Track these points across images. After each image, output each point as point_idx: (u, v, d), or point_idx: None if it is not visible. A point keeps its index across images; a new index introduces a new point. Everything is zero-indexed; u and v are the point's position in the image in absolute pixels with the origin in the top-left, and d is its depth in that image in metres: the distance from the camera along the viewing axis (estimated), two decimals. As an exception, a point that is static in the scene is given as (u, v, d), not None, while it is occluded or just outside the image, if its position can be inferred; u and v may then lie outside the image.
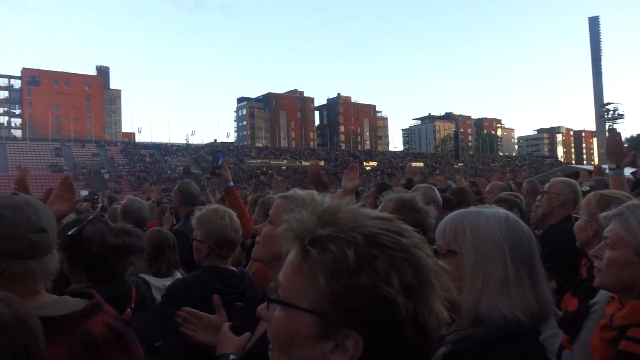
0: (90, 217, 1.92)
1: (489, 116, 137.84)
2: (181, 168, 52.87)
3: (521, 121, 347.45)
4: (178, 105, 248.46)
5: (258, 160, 61.94)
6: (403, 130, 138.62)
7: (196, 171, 52.20)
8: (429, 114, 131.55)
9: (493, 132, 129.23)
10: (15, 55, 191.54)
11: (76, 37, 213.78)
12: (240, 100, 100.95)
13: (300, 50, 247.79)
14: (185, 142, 65.25)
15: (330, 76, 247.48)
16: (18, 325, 0.92)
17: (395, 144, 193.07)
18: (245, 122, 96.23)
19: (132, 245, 1.90)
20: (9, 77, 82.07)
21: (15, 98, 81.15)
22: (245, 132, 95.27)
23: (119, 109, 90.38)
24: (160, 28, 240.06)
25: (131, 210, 3.92)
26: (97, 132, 70.11)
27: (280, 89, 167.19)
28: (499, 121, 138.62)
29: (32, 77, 79.60)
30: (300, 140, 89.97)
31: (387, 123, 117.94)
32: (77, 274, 1.85)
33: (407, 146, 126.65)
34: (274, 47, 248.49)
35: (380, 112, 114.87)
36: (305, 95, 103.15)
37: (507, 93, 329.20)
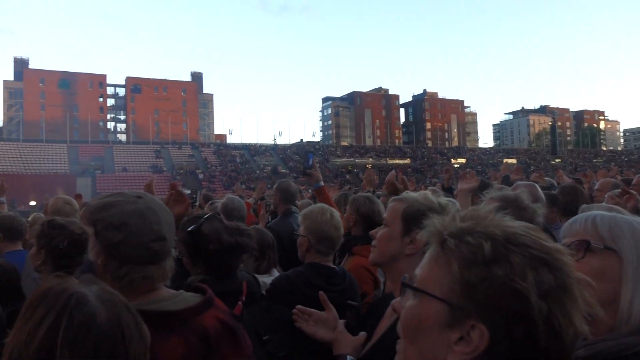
0: (207, 215, 2.03)
1: (590, 108, 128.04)
2: (269, 167, 54.46)
3: (628, 112, 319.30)
4: (266, 107, 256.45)
5: (343, 159, 62.25)
6: (493, 125, 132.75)
7: (284, 170, 53.45)
8: (522, 107, 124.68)
9: (595, 125, 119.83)
10: (120, 65, 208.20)
11: (173, 46, 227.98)
12: (325, 100, 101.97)
13: (384, 48, 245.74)
14: (273, 142, 67.24)
15: (416, 72, 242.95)
16: (110, 329, 0.90)
17: (485, 140, 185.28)
18: (330, 122, 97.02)
19: (244, 244, 1.99)
20: (115, 86, 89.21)
21: (120, 105, 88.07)
22: (330, 131, 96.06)
23: (212, 112, 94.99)
24: (249, 33, 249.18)
25: (231, 209, 4.09)
26: (192, 135, 74.32)
27: (365, 87, 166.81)
28: (601, 113, 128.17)
29: (135, 85, 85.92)
30: (386, 138, 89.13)
31: (476, 118, 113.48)
32: (196, 267, 1.98)
33: (498, 142, 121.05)
34: (358, 46, 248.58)
35: (468, 107, 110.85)
36: (390, 92, 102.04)
37: (611, 82, 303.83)
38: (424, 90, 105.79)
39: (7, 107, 76.17)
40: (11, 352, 0.85)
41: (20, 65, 79.64)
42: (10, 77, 79.20)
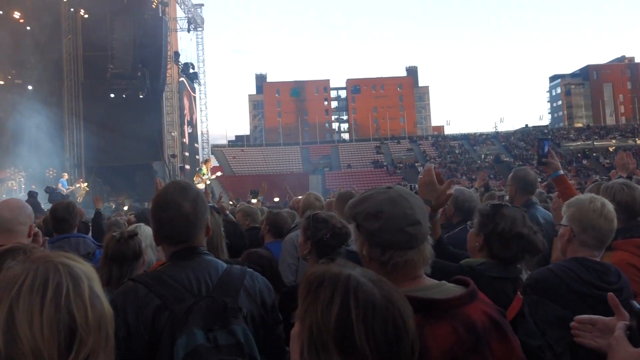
0: (506, 203, 2.17)
1: None
2: (491, 157, 51.78)
3: None
4: (485, 93, 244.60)
5: (578, 143, 55.32)
6: None
7: (507, 159, 50.23)
8: None
9: None
10: (340, 69, 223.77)
11: (387, 44, 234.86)
12: (553, 78, 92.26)
13: (624, 8, 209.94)
14: (494, 130, 63.68)
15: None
16: (387, 305, 0.99)
17: None
18: (560, 102, 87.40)
19: (532, 241, 2.01)
20: (337, 88, 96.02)
21: (342, 106, 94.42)
22: (560, 113, 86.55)
23: (428, 104, 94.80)
24: (460, 19, 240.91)
25: (462, 200, 3.94)
26: (409, 128, 75.20)
27: (602, 58, 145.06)
28: None
29: (354, 86, 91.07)
30: (633, 115, 76.02)
31: None
32: (477, 240, 2.11)
33: None
34: (590, 13, 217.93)
35: None
36: (637, 60, 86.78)
37: None
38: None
39: (252, 117, 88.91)
40: (311, 328, 0.99)
41: (260, 80, 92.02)
42: (253, 92, 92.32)
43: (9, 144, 22.20)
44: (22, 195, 17.22)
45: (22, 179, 20.98)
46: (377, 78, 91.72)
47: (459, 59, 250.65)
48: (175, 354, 1.53)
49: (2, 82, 24.26)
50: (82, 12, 26.75)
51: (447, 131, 71.60)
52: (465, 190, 4.22)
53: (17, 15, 24.35)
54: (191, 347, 1.52)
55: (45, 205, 13.69)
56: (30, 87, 25.03)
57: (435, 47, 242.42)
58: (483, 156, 53.01)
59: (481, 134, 60.03)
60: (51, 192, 16.63)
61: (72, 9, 26.80)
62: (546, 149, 3.41)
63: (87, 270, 1.04)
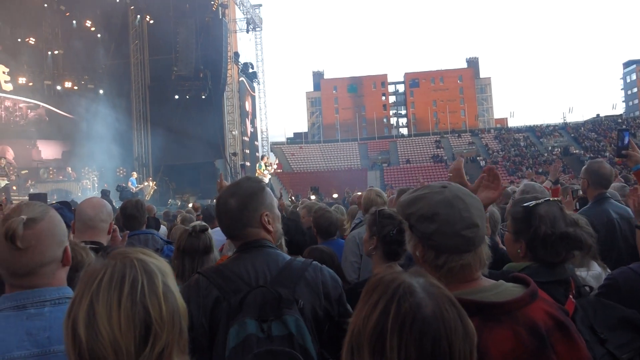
0: (549, 199, 1.99)
1: None
2: (559, 149, 49.38)
3: None
4: (551, 83, 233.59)
5: (657, 132, 51.71)
6: None
7: (577, 151, 47.72)
8: None
9: None
10: (398, 63, 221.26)
11: (445, 36, 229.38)
12: (627, 64, 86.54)
13: None
14: (562, 120, 60.68)
15: None
16: (433, 321, 0.94)
17: None
18: (635, 89, 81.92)
19: (579, 237, 1.85)
20: (395, 83, 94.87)
21: (401, 100, 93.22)
22: (636, 101, 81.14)
23: (490, 96, 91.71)
24: (521, 4, 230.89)
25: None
26: (470, 122, 73.20)
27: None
28: None
29: (413, 80, 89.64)
30: None
31: None
32: (516, 246, 1.94)
33: None
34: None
35: None
36: None
37: None
38: None
39: (310, 114, 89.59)
40: (353, 329, 1.00)
41: (317, 77, 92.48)
42: (310, 89, 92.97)
43: (83, 145, 23.66)
44: (96, 194, 18.27)
45: (95, 178, 22.30)
46: (436, 71, 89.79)
47: (523, 47, 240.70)
48: (227, 343, 1.57)
49: (76, 87, 25.87)
50: (147, 18, 27.93)
51: (511, 123, 69.01)
52: (536, 185, 4.02)
53: (88, 24, 25.87)
54: (242, 336, 1.56)
55: (117, 203, 14.42)
56: (101, 91, 26.53)
57: (498, 36, 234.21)
58: (550, 148, 50.63)
59: (548, 125, 57.39)
60: (122, 190, 17.49)
61: (138, 16, 28.05)
62: (626, 140, 3.26)
63: (161, 266, 1.07)
